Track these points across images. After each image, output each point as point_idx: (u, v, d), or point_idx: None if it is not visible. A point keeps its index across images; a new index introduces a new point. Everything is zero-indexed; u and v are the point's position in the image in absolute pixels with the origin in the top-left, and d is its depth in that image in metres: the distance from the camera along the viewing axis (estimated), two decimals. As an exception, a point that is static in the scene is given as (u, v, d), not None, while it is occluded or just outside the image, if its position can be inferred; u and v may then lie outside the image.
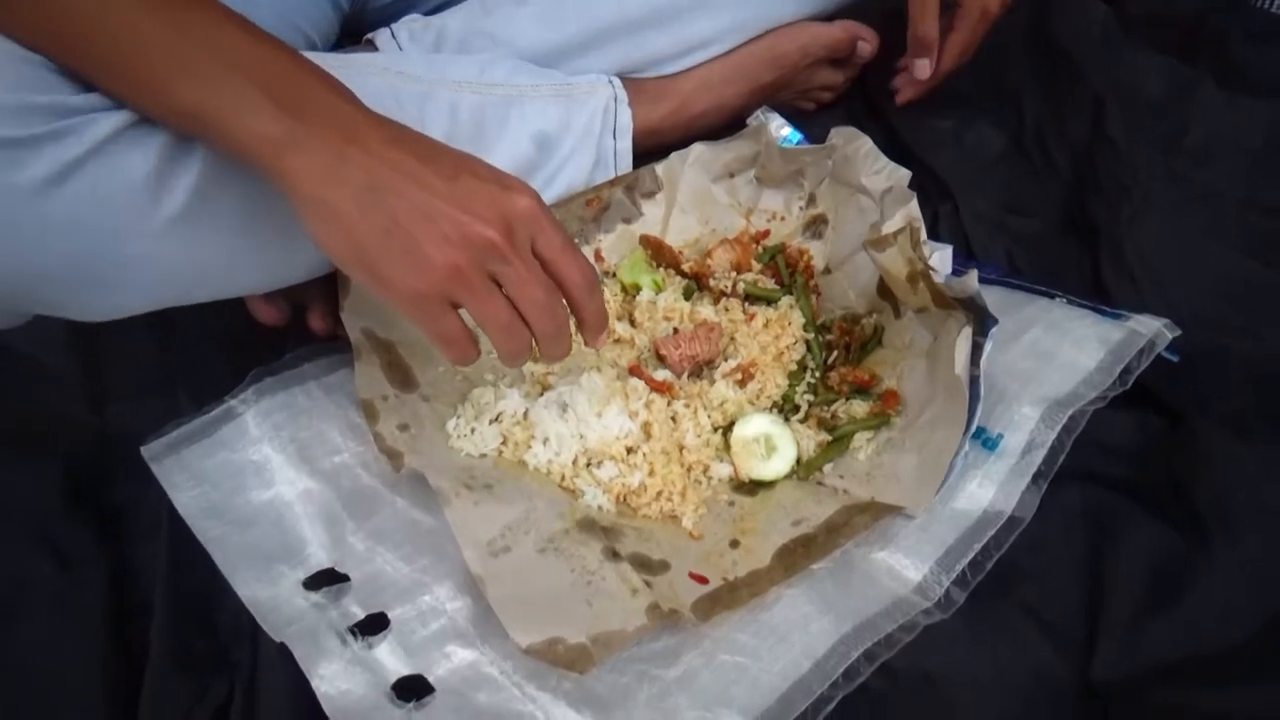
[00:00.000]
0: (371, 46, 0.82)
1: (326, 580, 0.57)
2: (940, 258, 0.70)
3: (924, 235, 0.68)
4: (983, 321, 0.62)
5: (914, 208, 0.70)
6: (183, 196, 0.54)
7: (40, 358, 0.69)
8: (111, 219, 0.53)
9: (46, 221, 0.51)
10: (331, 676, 0.51)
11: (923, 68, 0.85)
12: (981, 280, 0.73)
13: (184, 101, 0.51)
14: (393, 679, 0.52)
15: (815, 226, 0.80)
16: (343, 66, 0.67)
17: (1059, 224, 0.82)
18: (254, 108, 0.50)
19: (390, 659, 0.53)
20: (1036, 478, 0.61)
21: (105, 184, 0.52)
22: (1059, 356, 0.67)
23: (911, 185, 0.73)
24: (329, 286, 0.68)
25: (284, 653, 0.53)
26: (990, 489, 0.62)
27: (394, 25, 0.82)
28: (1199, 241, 0.75)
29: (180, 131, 0.54)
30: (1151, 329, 0.67)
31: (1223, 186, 0.79)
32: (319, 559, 0.58)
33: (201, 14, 0.52)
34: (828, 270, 0.77)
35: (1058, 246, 0.80)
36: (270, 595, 0.55)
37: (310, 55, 0.59)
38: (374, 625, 0.55)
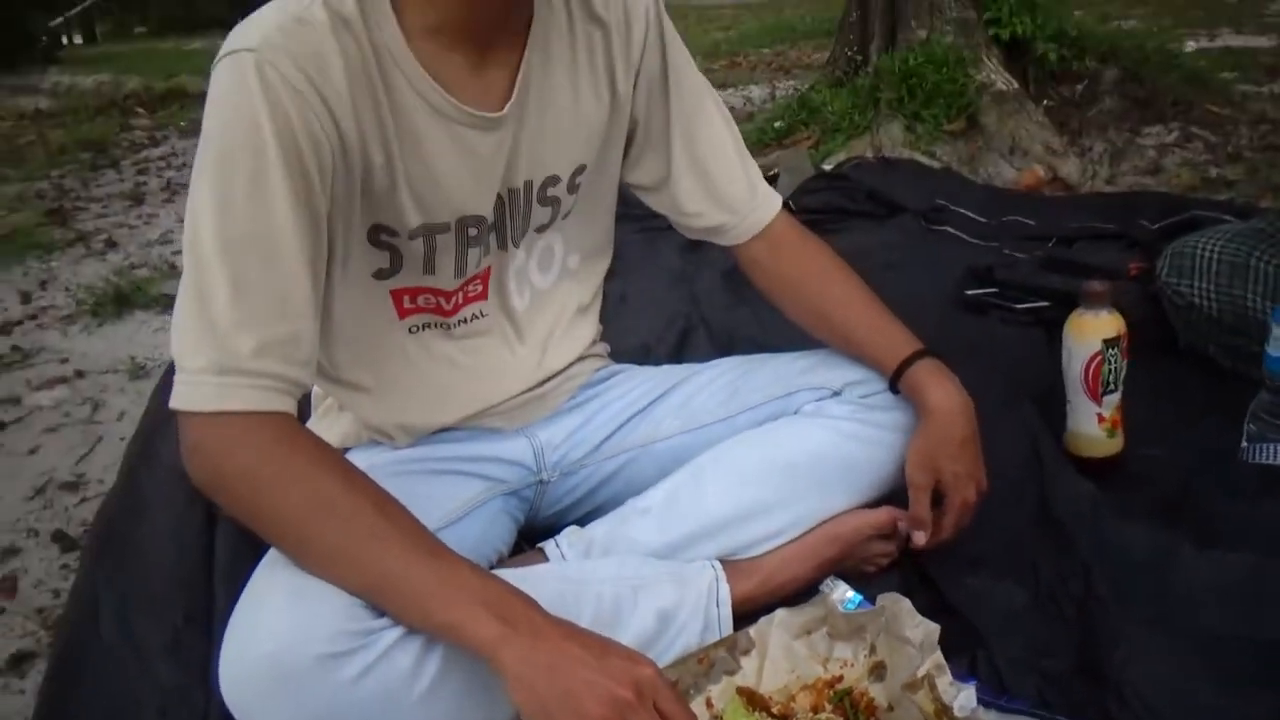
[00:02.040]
0: (541, 554, 1.16)
1: None
2: (966, 694, 0.91)
3: (949, 677, 0.91)
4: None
5: (938, 656, 0.93)
6: (428, 680, 0.84)
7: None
8: (388, 699, 0.83)
9: (348, 705, 0.81)
10: None
11: (918, 538, 1.14)
12: (1013, 711, 0.94)
13: (440, 621, 0.82)
14: None
15: (878, 671, 1.02)
16: (527, 579, 0.98)
17: (1077, 665, 1.01)
18: (483, 623, 0.81)
19: None
20: None
21: (385, 676, 0.82)
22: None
23: (942, 636, 0.96)
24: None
25: None
26: None
27: (557, 538, 1.16)
28: (1187, 683, 0.92)
29: (432, 637, 0.85)
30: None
31: (1205, 631, 0.96)
32: None
33: (445, 562, 0.84)
34: (890, 707, 0.98)
35: (1078, 684, 0.99)
36: None
37: (502, 571, 0.91)
38: None
